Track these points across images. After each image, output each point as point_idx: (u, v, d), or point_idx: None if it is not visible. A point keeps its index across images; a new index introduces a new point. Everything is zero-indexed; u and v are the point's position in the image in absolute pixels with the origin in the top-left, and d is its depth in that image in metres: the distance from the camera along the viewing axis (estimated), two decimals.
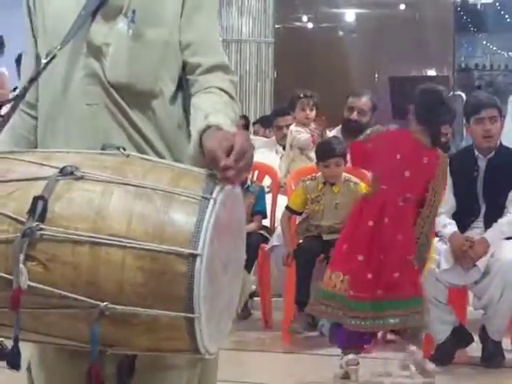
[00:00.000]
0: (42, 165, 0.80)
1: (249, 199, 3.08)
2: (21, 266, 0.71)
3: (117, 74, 0.95)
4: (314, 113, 3.50)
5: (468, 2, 8.22)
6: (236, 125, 0.94)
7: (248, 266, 2.80)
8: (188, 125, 0.97)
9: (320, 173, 2.93)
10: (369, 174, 2.69)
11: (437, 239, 2.59)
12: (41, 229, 0.72)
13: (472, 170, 2.63)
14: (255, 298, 3.43)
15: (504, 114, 2.94)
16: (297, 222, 3.04)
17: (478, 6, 8.75)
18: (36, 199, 0.74)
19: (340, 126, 3.52)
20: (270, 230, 3.29)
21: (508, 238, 2.58)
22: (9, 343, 0.78)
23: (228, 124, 0.86)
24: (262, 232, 3.23)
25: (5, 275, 0.73)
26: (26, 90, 0.95)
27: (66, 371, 0.94)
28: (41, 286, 0.72)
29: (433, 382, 2.34)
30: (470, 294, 2.70)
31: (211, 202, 0.73)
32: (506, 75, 9.42)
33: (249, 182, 3.24)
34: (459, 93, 6.03)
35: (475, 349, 2.61)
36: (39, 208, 0.73)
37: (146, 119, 0.96)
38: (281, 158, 3.76)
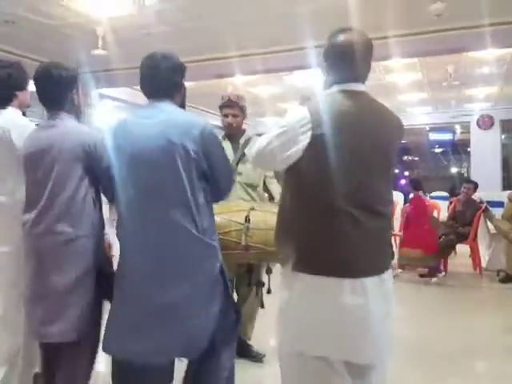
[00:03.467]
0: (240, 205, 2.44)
1: None
2: (243, 237, 2.28)
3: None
4: None
5: None
6: None
7: None
8: None
9: None
10: None
11: None
12: (248, 226, 2.27)
13: None
14: None
15: None
16: None
17: None
18: (247, 216, 2.30)
19: None
20: None
21: None
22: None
23: None
24: None
25: (238, 240, 2.29)
26: None
27: None
28: (250, 243, 2.26)
29: None
30: None
31: None
32: None
33: None
34: None
35: None
36: (247, 218, 2.29)
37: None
38: None
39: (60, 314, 1.84)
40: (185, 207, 1.70)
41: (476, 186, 6.13)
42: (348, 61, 1.58)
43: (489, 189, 7.83)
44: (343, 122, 1.52)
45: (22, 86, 2.26)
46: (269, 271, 2.62)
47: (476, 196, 6.09)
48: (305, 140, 1.49)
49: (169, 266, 1.70)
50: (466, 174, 11.74)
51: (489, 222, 5.74)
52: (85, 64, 5.87)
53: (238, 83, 7.79)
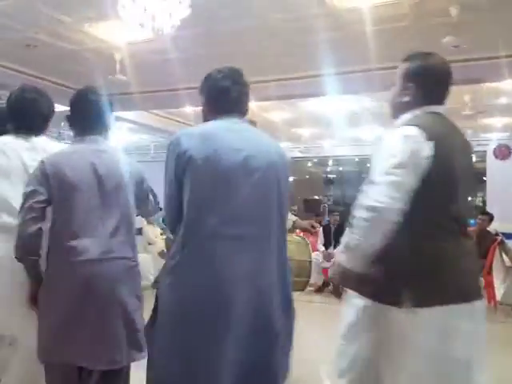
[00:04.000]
0: None
1: None
2: None
3: None
4: None
5: None
6: None
7: None
8: None
9: None
10: None
11: None
12: None
13: None
14: None
15: None
16: None
17: None
18: None
19: None
20: None
21: None
22: None
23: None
24: None
25: None
26: None
27: None
28: None
29: None
30: None
31: None
32: None
33: None
34: None
35: None
36: None
37: None
38: None
39: (130, 339, 1.81)
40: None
41: (491, 217, 6.03)
42: (442, 84, 1.65)
43: (505, 220, 7.66)
44: (451, 141, 1.56)
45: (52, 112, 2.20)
46: None
47: (491, 228, 5.96)
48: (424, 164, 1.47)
49: (264, 296, 1.61)
50: (481, 204, 11.54)
51: (504, 255, 5.60)
52: (102, 87, 5.97)
53: (252, 108, 7.83)
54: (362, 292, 1.55)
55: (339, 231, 6.78)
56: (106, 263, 1.81)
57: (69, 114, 2.02)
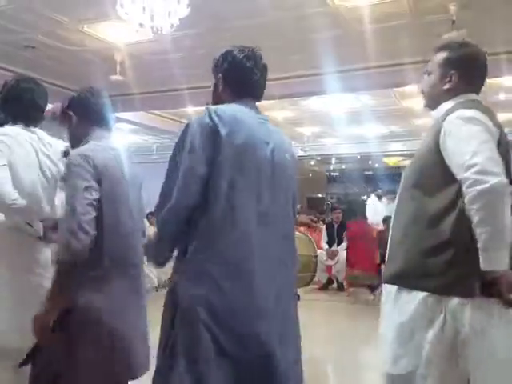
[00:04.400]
0: None
1: None
2: None
3: None
4: None
5: None
6: None
7: None
8: None
9: None
10: None
11: None
12: None
13: None
14: None
15: None
16: None
17: None
18: None
19: None
20: None
21: None
22: None
23: None
24: None
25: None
26: None
27: None
28: None
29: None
30: None
31: None
32: None
33: None
34: None
35: None
36: None
37: None
38: None
39: None
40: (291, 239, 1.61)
41: None
42: (482, 72, 1.65)
43: None
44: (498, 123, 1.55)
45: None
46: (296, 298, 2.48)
47: None
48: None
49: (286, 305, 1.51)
50: None
51: None
52: (102, 88, 5.96)
53: None
54: (420, 287, 1.48)
55: (342, 228, 6.79)
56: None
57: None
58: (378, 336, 1.65)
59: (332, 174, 16.68)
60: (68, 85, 6.08)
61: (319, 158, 13.54)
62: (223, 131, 1.39)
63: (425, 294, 1.46)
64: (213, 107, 1.48)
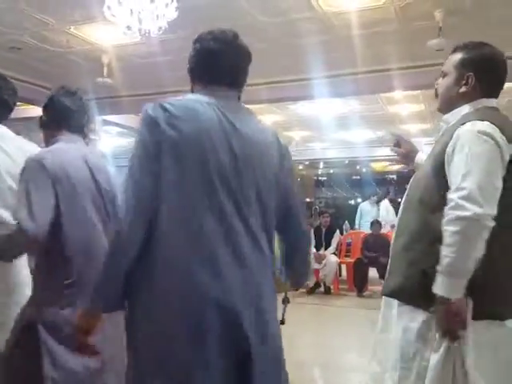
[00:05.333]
0: None
1: None
2: None
3: None
4: None
5: None
6: None
7: None
8: None
9: None
10: None
11: None
12: None
13: None
14: None
15: None
16: None
17: None
18: None
19: None
20: None
21: None
22: None
23: None
24: None
25: None
26: None
27: None
28: None
29: None
30: None
31: None
32: None
33: None
34: None
35: None
36: None
37: None
38: None
39: None
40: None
41: None
42: (501, 75, 1.52)
43: None
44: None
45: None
46: (286, 301, 2.45)
47: None
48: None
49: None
50: None
51: None
52: (90, 90, 5.92)
53: None
54: (422, 306, 1.42)
55: (330, 233, 6.85)
56: None
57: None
58: (373, 341, 1.64)
59: (320, 178, 16.74)
60: (54, 87, 6.02)
61: (307, 163, 13.59)
62: (163, 124, 1.25)
63: (428, 314, 1.41)
64: (165, 100, 1.33)
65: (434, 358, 1.37)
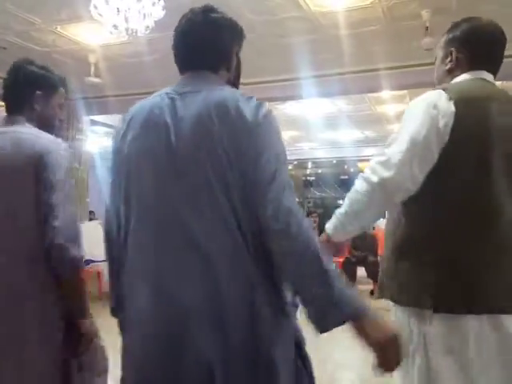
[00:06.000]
0: None
1: None
2: None
3: None
4: None
5: None
6: None
7: None
8: None
9: None
10: None
11: None
12: None
13: None
14: None
15: None
16: None
17: None
18: None
19: None
20: None
21: None
22: None
23: None
24: None
25: None
26: None
27: None
28: None
29: None
30: None
31: None
32: None
33: None
34: None
35: None
36: None
37: None
38: None
39: None
40: None
41: None
42: (485, 45, 1.43)
43: None
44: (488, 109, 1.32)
45: None
46: None
47: None
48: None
49: None
50: None
51: None
52: (77, 90, 5.86)
53: None
54: (399, 301, 1.36)
55: (319, 233, 6.84)
56: None
57: None
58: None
59: (308, 178, 16.78)
60: None
61: (296, 163, 13.63)
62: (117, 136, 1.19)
63: (405, 309, 1.37)
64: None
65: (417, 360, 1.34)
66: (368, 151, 11.14)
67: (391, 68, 5.36)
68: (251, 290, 1.02)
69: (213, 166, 1.03)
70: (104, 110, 7.11)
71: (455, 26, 1.50)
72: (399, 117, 8.77)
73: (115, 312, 1.21)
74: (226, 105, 1.07)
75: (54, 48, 5.14)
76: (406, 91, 6.72)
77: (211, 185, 1.03)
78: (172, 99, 1.13)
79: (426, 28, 4.24)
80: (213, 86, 1.14)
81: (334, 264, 1.01)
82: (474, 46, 1.43)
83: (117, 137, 1.19)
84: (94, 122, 7.77)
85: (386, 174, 1.26)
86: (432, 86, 5.73)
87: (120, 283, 1.14)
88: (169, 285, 1.03)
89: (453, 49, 1.46)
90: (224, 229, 1.02)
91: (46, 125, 1.54)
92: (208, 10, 1.23)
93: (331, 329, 0.98)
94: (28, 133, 1.43)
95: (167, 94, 1.16)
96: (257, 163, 1.03)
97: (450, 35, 1.49)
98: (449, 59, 1.47)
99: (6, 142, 1.40)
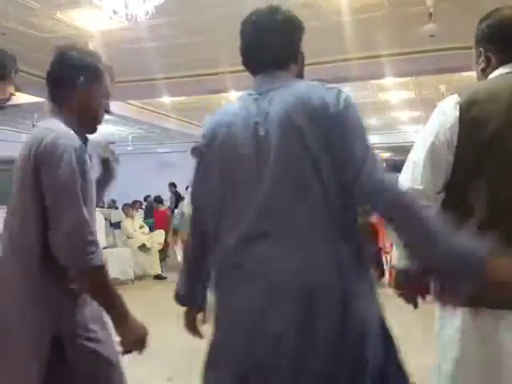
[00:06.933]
0: None
1: None
2: None
3: None
4: None
5: None
6: None
7: None
8: None
9: None
10: None
11: None
12: None
13: None
14: None
15: None
16: None
17: None
18: None
19: None
20: None
21: None
22: None
23: None
24: None
25: None
26: None
27: None
28: None
29: None
30: None
31: None
32: None
33: None
34: None
35: None
36: None
37: None
38: None
39: None
40: None
41: None
42: (508, 36, 1.40)
43: None
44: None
45: None
46: None
47: None
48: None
49: None
50: None
51: None
52: None
53: (231, 99, 7.79)
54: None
55: None
56: None
57: None
58: None
59: None
60: (40, 72, 5.90)
61: None
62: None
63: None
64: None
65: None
66: (372, 139, 11.09)
67: (395, 54, 5.31)
68: (341, 266, 1.09)
69: (304, 158, 1.12)
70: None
71: (480, 23, 1.50)
72: (402, 104, 8.74)
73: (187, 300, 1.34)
74: (310, 97, 1.15)
75: (54, 34, 5.09)
76: (409, 78, 6.67)
77: (304, 175, 1.12)
78: (255, 99, 1.22)
79: (430, 14, 4.18)
80: (289, 83, 1.23)
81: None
82: (500, 42, 1.42)
83: (205, 139, 1.25)
84: None
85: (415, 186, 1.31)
86: (435, 72, 5.71)
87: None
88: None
89: (481, 49, 1.47)
90: (318, 213, 1.11)
91: (86, 115, 1.42)
92: (273, 11, 1.31)
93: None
94: (47, 128, 1.30)
95: (249, 95, 1.24)
96: (347, 146, 1.13)
97: (478, 35, 1.49)
98: (481, 59, 1.48)
99: (29, 139, 1.31)
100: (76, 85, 1.38)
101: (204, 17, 4.53)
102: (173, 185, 9.96)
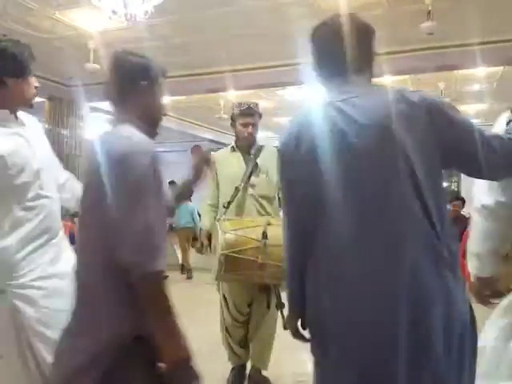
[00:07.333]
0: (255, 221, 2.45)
1: None
2: (260, 255, 2.27)
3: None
4: None
5: None
6: None
7: None
8: None
9: None
10: None
11: None
12: (266, 242, 2.28)
13: None
14: None
15: None
16: None
17: None
18: (264, 232, 2.31)
19: None
20: None
21: None
22: None
23: None
24: None
25: (254, 259, 2.29)
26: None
27: None
28: (268, 261, 2.28)
29: None
30: None
31: None
32: None
33: None
34: None
35: None
36: (265, 234, 2.30)
37: None
38: None
39: None
40: None
41: (464, 201, 6.26)
42: None
43: None
44: None
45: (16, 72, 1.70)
46: (280, 306, 2.41)
47: (465, 211, 6.12)
48: None
49: None
50: (456, 189, 11.78)
51: None
52: (76, 77, 5.82)
53: (230, 98, 7.80)
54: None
55: None
56: None
57: None
58: None
59: None
60: (40, 73, 5.91)
61: None
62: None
63: None
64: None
65: None
66: None
67: (393, 53, 5.31)
68: (438, 262, 1.14)
69: (398, 159, 1.15)
70: (103, 97, 7.06)
71: None
72: None
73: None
74: (397, 100, 1.21)
75: (53, 34, 5.10)
76: (407, 76, 6.67)
77: (399, 177, 1.15)
78: (338, 107, 1.23)
79: (429, 12, 4.19)
80: (368, 88, 1.33)
81: None
82: None
83: (287, 148, 1.31)
84: (94, 109, 7.73)
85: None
86: (434, 70, 5.70)
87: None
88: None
89: None
90: (412, 214, 1.14)
91: (152, 119, 1.42)
92: (349, 17, 1.38)
93: None
94: (122, 137, 1.27)
95: (330, 103, 1.26)
96: (458, 132, 1.21)
97: None
98: None
99: (92, 148, 1.29)
100: (140, 89, 1.38)
101: (203, 16, 4.53)
102: (173, 183, 9.96)
